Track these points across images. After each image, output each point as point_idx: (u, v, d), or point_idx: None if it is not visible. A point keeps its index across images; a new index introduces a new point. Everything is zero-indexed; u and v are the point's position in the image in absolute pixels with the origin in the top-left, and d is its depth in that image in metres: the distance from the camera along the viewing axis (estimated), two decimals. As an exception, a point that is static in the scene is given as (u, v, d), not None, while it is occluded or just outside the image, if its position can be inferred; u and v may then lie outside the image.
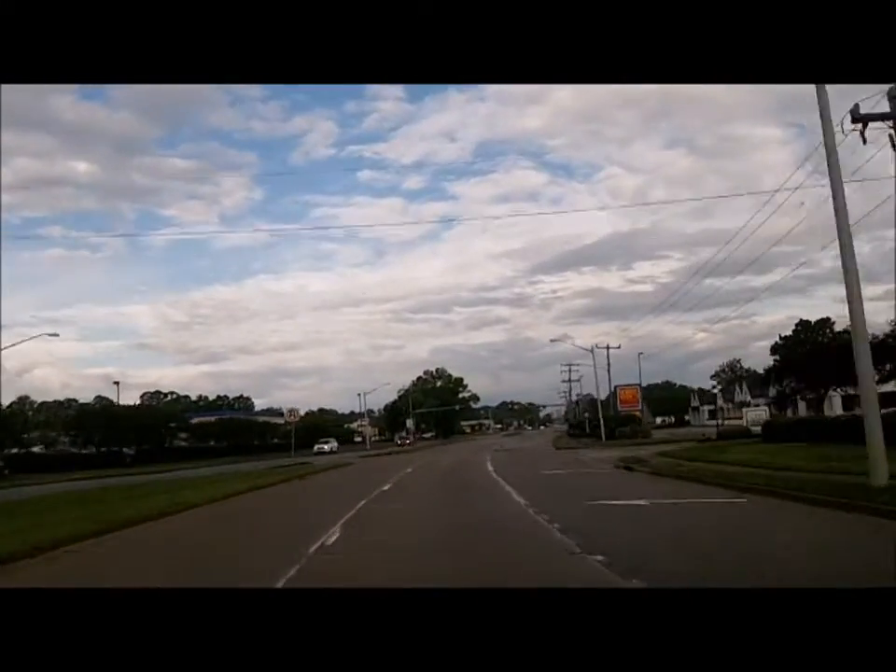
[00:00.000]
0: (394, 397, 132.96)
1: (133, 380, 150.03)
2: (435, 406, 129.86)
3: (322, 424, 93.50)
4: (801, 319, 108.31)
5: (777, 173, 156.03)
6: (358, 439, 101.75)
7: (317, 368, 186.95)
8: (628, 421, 48.88)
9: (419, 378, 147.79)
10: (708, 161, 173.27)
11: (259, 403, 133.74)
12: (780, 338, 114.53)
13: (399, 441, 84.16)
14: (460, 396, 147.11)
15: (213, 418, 78.18)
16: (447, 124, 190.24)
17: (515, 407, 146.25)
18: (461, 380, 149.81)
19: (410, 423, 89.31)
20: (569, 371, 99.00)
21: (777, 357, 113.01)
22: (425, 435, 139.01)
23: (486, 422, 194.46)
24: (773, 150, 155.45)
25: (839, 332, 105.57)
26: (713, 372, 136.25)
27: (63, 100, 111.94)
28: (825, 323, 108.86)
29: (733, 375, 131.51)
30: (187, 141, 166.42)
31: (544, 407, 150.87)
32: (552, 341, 57.64)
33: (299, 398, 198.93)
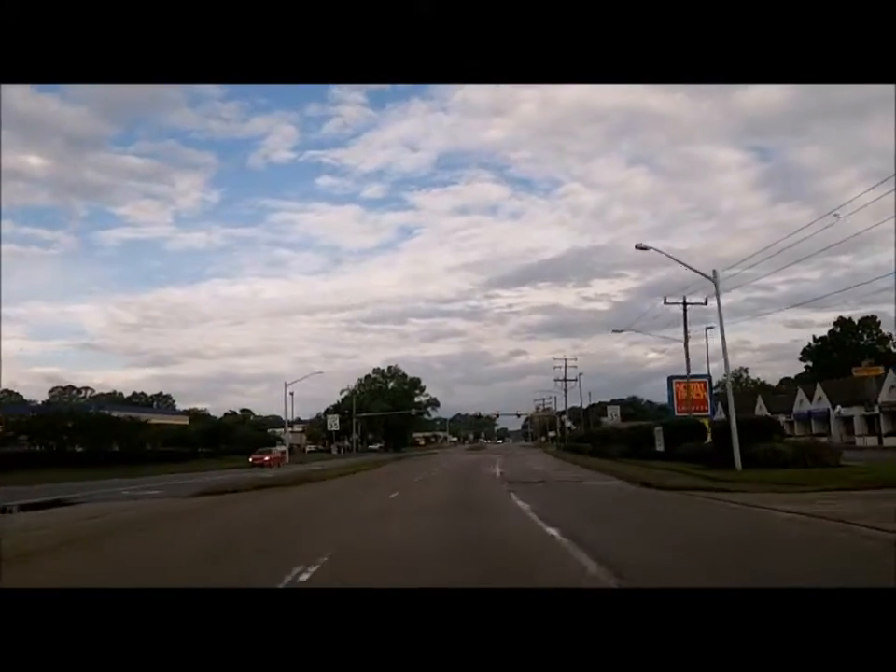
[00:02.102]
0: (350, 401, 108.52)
1: (80, 381, 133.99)
2: (386, 410, 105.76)
3: (228, 426, 68.03)
4: (840, 317, 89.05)
5: (735, 195, 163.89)
6: (282, 447, 77.55)
7: (269, 375, 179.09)
8: (699, 430, 26.63)
9: (367, 377, 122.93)
10: (668, 181, 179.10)
11: (210, 408, 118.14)
12: (814, 339, 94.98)
13: (252, 458, 48.18)
14: (416, 400, 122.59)
15: (34, 413, 51.24)
16: (409, 133, 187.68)
17: (482, 417, 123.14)
18: (418, 381, 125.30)
19: (332, 422, 60.55)
20: (564, 365, 76.63)
21: (810, 364, 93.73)
22: (371, 446, 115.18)
23: (442, 434, 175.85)
24: (732, 173, 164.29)
25: (888, 335, 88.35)
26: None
27: (17, 91, 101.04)
28: (871, 322, 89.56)
29: (738, 387, 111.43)
30: (143, 139, 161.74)
31: (518, 415, 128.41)
32: (637, 247, 28.08)
33: (249, 403, 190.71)
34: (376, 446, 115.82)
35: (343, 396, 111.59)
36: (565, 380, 76.42)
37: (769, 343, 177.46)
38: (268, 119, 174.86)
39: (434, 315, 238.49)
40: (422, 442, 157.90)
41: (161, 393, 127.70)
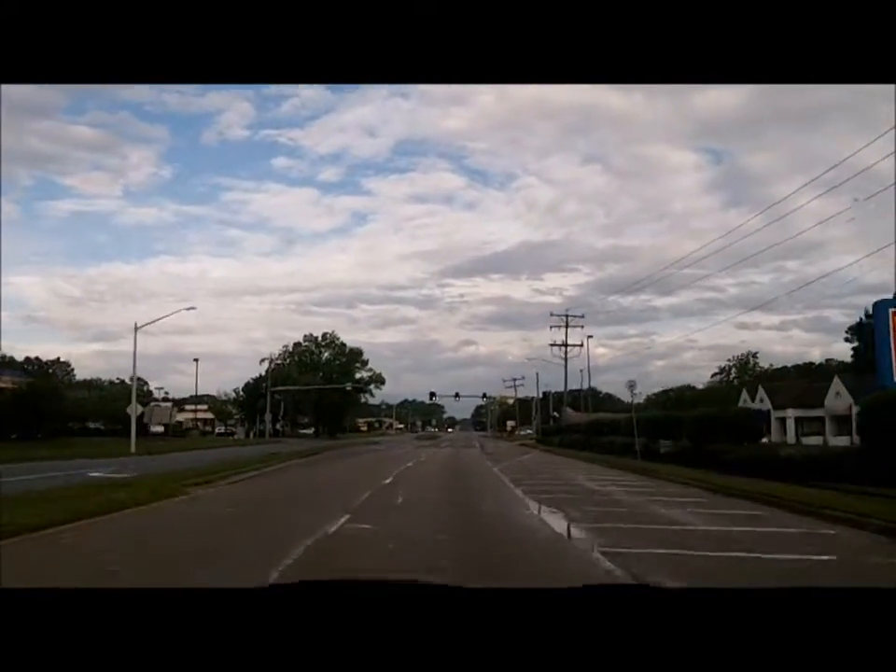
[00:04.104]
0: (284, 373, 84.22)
1: (19, 353, 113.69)
2: (319, 384, 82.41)
3: (51, 392, 43.72)
4: (899, 287, 69.13)
5: (687, 197, 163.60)
6: (159, 428, 53.28)
7: (214, 354, 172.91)
8: None
9: (296, 345, 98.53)
10: (622, 180, 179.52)
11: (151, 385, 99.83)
12: (865, 316, 74.26)
13: None
14: (357, 376, 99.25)
15: None
16: (367, 117, 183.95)
17: (435, 397, 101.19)
18: (359, 353, 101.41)
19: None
20: (566, 321, 54.58)
21: (855, 347, 72.00)
22: (305, 430, 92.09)
23: (388, 420, 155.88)
24: (685, 175, 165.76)
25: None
26: (714, 371, 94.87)
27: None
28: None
29: (745, 375, 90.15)
30: (94, 109, 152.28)
31: (484, 396, 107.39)
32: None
33: (189, 382, 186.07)
34: (310, 430, 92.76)
35: (266, 366, 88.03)
36: (566, 346, 54.39)
37: (715, 343, 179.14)
38: (224, 95, 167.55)
39: (385, 302, 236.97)
40: (364, 428, 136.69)
41: (58, 359, 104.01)
